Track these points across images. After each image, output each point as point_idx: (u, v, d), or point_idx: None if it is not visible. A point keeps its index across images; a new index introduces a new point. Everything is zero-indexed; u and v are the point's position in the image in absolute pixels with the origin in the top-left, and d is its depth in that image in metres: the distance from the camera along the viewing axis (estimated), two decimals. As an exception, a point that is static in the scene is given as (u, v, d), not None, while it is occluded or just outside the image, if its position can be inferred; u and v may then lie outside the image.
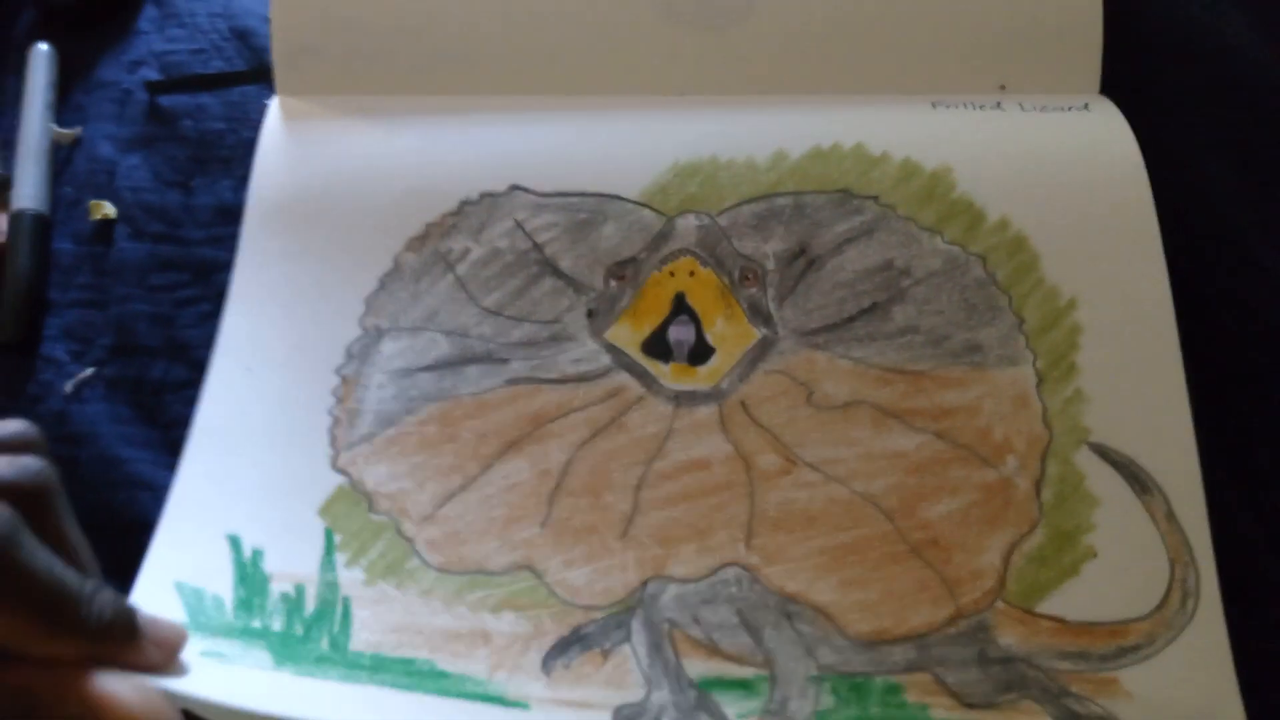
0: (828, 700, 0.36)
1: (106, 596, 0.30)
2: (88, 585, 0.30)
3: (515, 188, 0.45)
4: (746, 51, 0.47)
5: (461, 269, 0.44)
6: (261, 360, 0.42)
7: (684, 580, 0.38)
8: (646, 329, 0.42)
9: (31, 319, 0.45)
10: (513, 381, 0.42)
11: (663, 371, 0.42)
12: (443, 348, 0.42)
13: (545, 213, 0.44)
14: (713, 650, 0.37)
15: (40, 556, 0.29)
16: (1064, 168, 0.44)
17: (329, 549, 0.39)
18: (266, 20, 0.48)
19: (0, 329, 0.45)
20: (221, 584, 0.37)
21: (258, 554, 0.38)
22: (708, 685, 0.36)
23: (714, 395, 0.41)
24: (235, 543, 0.38)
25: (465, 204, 0.44)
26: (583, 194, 0.44)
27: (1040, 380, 0.41)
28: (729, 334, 0.42)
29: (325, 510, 0.40)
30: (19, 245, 0.46)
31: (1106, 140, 0.44)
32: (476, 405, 0.41)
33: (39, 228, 0.46)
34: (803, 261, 0.43)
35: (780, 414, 0.41)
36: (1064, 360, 0.41)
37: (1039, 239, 0.43)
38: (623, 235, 0.44)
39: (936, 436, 0.40)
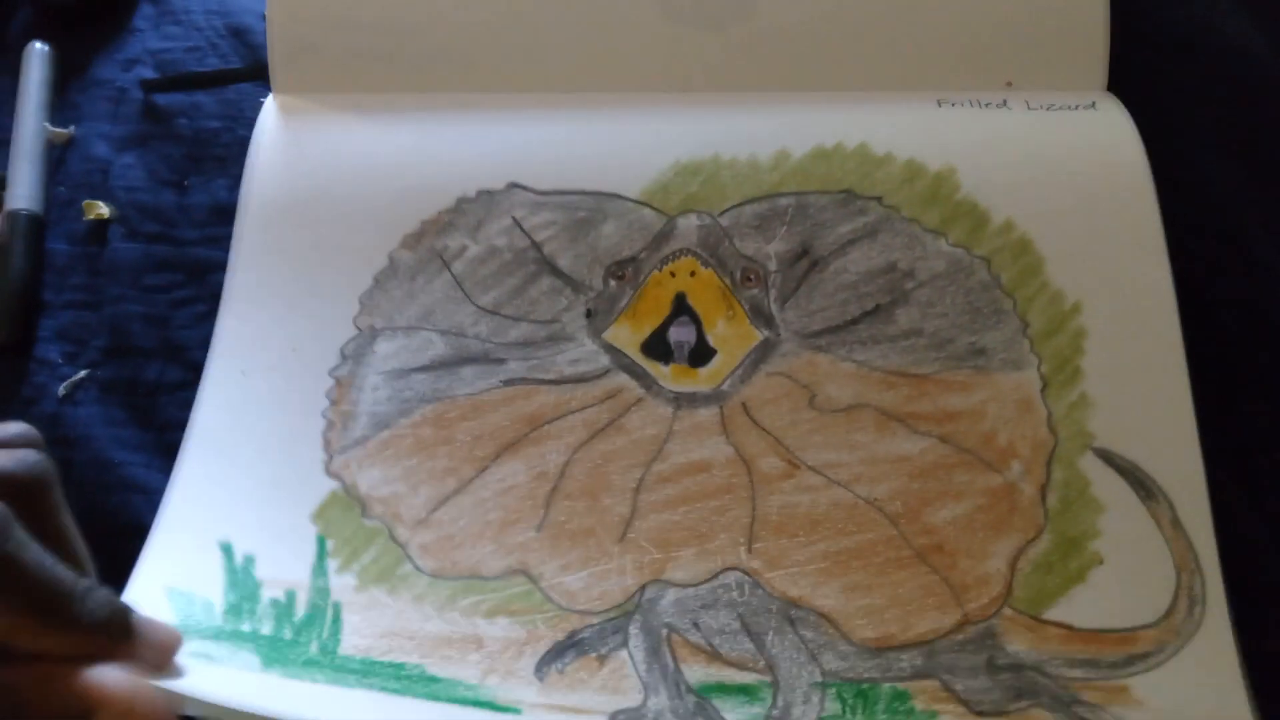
0: (833, 706, 0.36)
1: (101, 594, 0.30)
2: (82, 582, 0.30)
3: (513, 185, 0.44)
4: (749, 48, 0.46)
5: (458, 267, 0.43)
6: (256, 363, 0.42)
7: (683, 585, 0.38)
8: (646, 329, 0.42)
9: (26, 320, 0.45)
10: (509, 382, 0.41)
11: (663, 373, 0.41)
12: (438, 348, 0.42)
13: (544, 211, 0.44)
14: (712, 656, 0.37)
15: (31, 550, 0.29)
16: (1069, 170, 0.44)
17: (321, 555, 0.38)
18: (263, 18, 0.48)
19: (-5, 331, 0.44)
20: (212, 589, 0.37)
21: (249, 560, 0.38)
22: (707, 691, 0.36)
23: (715, 397, 0.41)
24: (227, 549, 0.38)
25: (462, 201, 0.44)
26: (582, 192, 0.44)
27: (1045, 385, 0.40)
28: (730, 335, 0.42)
29: (318, 516, 0.39)
30: (13, 246, 0.45)
31: (1112, 143, 0.44)
32: (472, 406, 0.41)
33: (33, 228, 0.46)
34: (805, 262, 0.43)
35: (782, 416, 0.40)
36: (1069, 364, 0.41)
37: (1044, 242, 0.42)
38: (623, 234, 0.43)
39: (940, 441, 0.40)
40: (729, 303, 0.42)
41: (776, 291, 0.42)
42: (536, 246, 0.43)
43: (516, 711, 0.35)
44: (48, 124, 0.49)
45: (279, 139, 0.46)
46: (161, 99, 0.49)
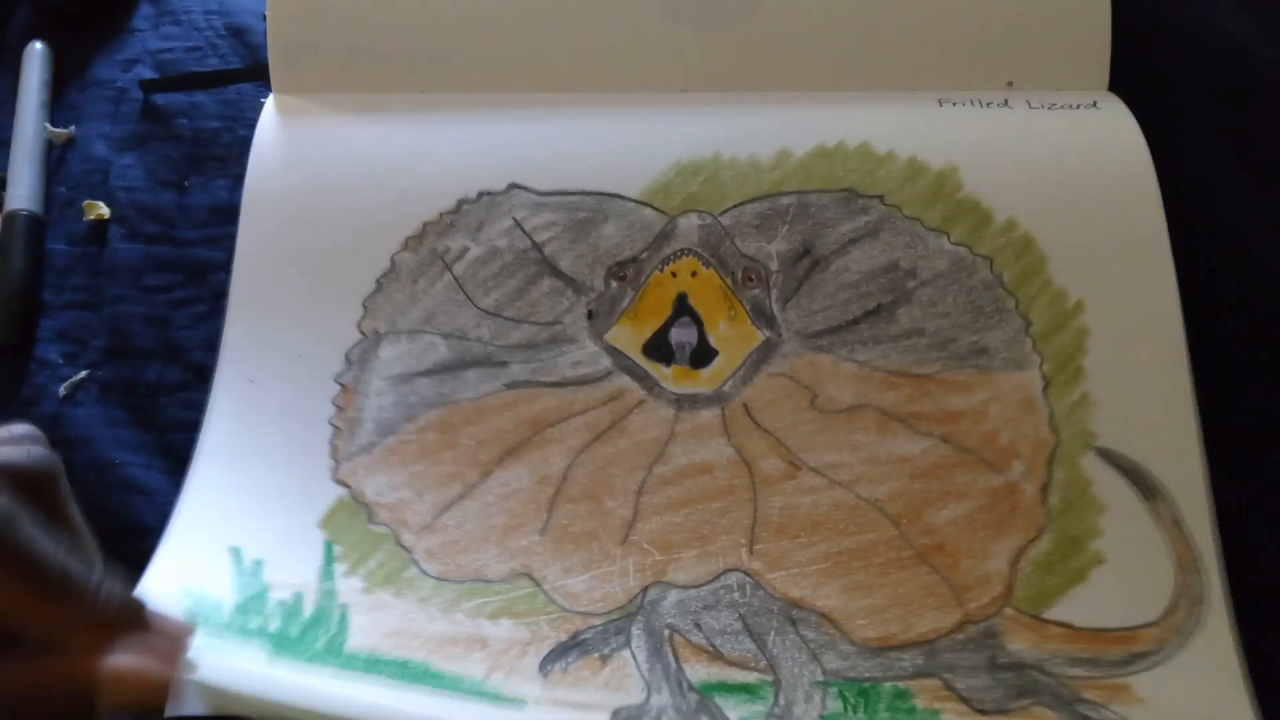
0: (834, 705, 0.36)
1: (114, 584, 0.30)
2: (94, 571, 0.30)
3: (514, 186, 0.44)
4: (750, 47, 0.46)
5: (459, 269, 0.43)
6: (263, 371, 0.42)
7: (685, 586, 0.38)
8: (648, 330, 0.42)
9: (26, 321, 0.45)
10: (512, 385, 0.41)
11: (664, 374, 0.41)
12: (441, 351, 0.42)
13: (545, 211, 0.44)
14: (714, 656, 0.37)
15: (40, 539, 0.29)
16: (1072, 168, 0.44)
17: (328, 560, 0.38)
18: (263, 17, 0.48)
19: (-5, 332, 0.44)
20: (221, 590, 0.37)
21: (258, 564, 0.38)
22: (709, 690, 0.36)
23: (716, 398, 0.41)
24: (236, 554, 0.38)
25: (463, 202, 0.44)
26: (583, 192, 0.44)
27: (1047, 384, 0.40)
28: (732, 336, 0.42)
29: (325, 523, 0.39)
30: (13, 246, 0.45)
31: (1115, 142, 0.44)
32: (476, 411, 0.41)
33: (33, 228, 0.46)
34: (807, 262, 0.43)
35: (784, 417, 0.40)
36: (1071, 364, 0.41)
37: (1046, 240, 0.42)
38: (624, 235, 0.43)
39: (942, 441, 0.40)
40: (730, 303, 0.42)
41: (778, 291, 0.42)
42: (537, 247, 0.43)
43: (521, 703, 0.35)
44: (47, 124, 0.49)
45: (279, 139, 0.46)
46: (161, 99, 0.49)
